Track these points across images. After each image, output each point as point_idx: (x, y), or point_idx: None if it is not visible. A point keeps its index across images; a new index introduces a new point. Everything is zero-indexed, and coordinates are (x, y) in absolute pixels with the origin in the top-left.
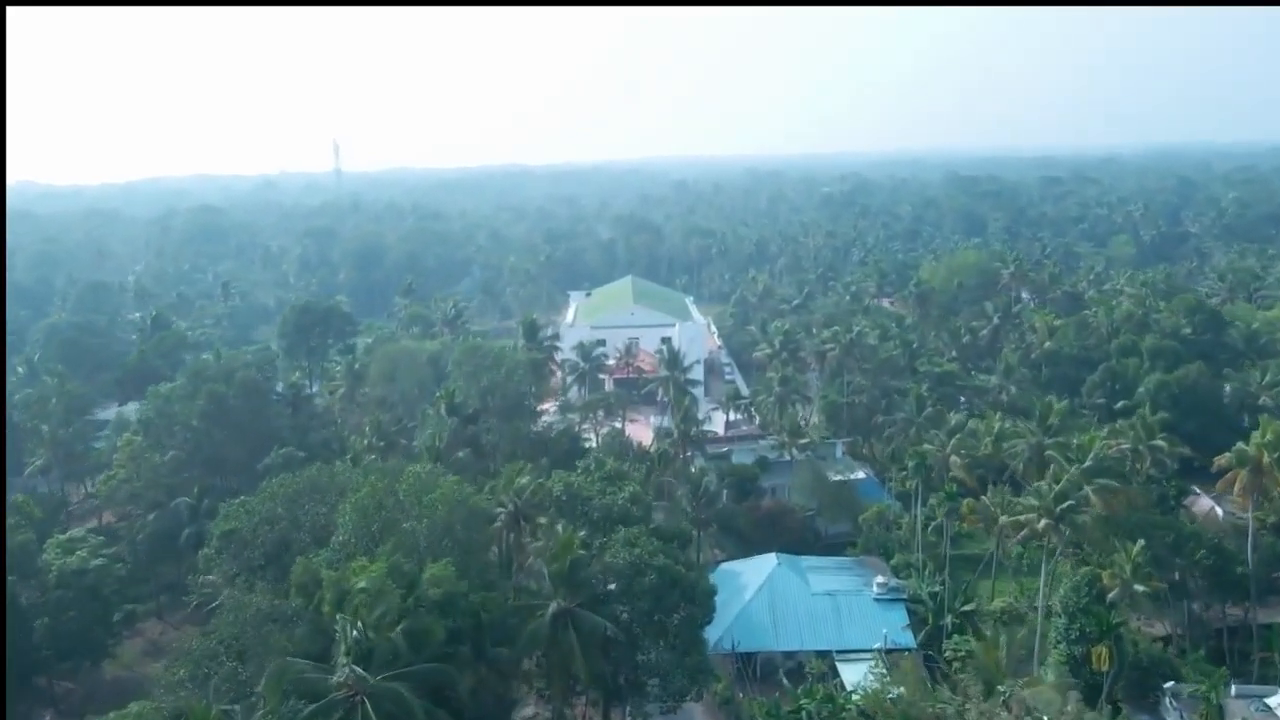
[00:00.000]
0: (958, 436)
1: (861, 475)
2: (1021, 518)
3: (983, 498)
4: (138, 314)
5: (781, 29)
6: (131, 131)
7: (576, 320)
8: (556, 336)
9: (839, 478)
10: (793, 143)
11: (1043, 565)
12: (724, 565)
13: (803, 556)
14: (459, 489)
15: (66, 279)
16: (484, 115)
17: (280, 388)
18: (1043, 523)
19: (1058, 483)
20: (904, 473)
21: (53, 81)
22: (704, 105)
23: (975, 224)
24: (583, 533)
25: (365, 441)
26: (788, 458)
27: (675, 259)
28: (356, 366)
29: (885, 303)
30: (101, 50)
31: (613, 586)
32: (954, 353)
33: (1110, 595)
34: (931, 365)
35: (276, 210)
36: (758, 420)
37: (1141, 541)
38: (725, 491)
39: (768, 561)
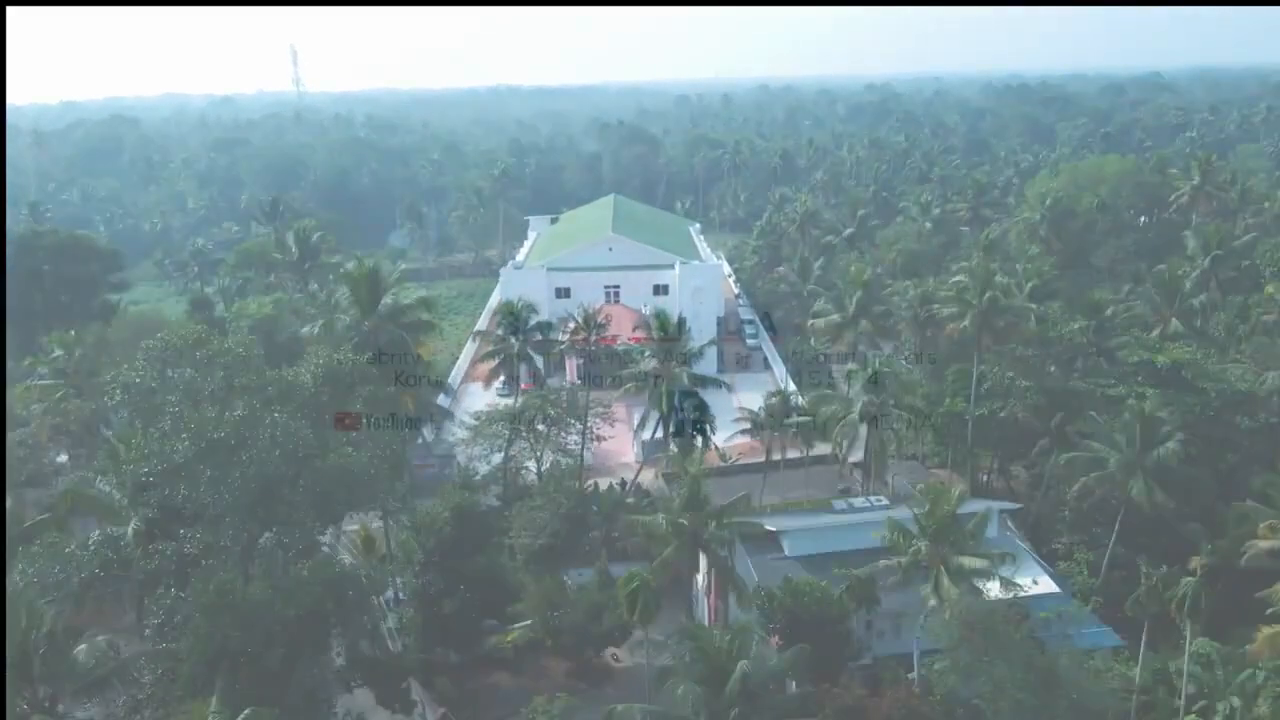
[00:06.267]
0: None
1: (1051, 586)
2: None
3: None
4: None
5: None
6: (108, 49)
7: (529, 260)
8: (426, 304)
9: (1005, 592)
10: (799, 64)
11: None
12: None
13: None
14: None
15: None
16: (471, 31)
17: None
18: None
19: None
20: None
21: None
22: (704, 23)
23: (1044, 133)
24: None
25: None
26: (927, 595)
27: (676, 177)
28: (79, 354)
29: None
30: None
31: None
32: (1176, 323)
33: None
34: (1148, 350)
35: (215, 126)
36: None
37: None
38: (777, 633)
39: None
